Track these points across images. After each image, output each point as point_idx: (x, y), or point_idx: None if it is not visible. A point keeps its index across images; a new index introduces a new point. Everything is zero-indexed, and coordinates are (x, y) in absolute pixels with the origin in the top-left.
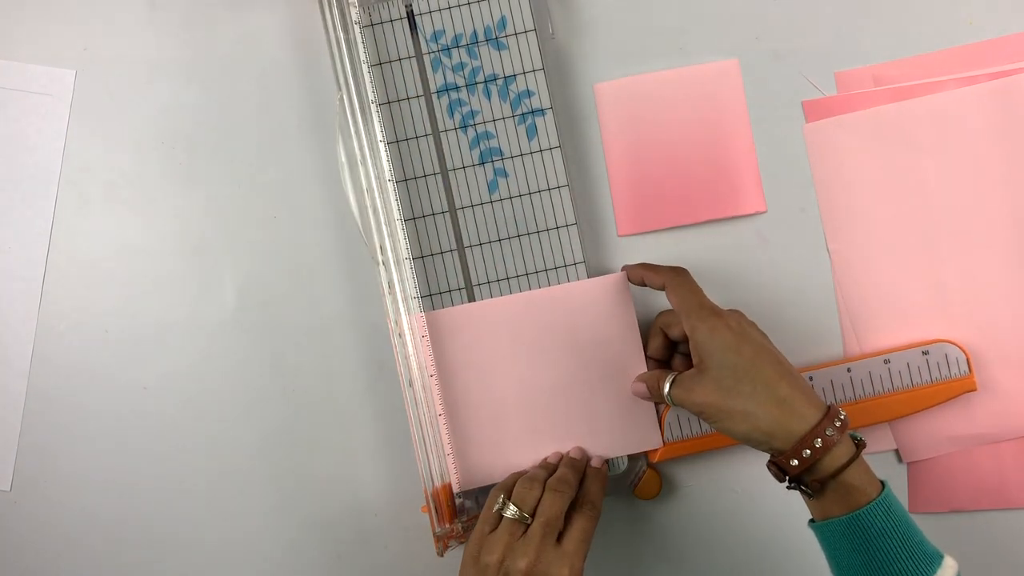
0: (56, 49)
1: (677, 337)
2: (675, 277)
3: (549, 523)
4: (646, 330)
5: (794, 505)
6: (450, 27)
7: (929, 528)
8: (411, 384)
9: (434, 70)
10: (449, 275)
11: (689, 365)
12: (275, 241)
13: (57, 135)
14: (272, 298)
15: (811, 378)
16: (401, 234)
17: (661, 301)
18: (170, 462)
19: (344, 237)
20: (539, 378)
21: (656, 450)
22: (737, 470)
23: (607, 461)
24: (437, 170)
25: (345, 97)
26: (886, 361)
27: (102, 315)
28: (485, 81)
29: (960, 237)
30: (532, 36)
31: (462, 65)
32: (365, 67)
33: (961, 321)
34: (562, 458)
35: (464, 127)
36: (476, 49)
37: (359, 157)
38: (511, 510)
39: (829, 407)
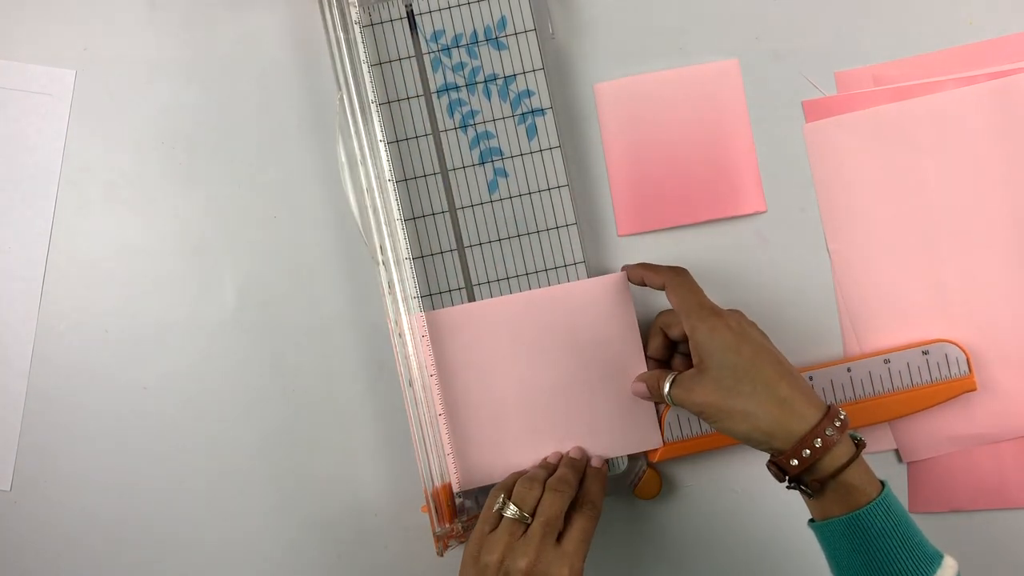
0: (56, 49)
1: (677, 337)
2: (675, 277)
3: (549, 523)
4: (646, 330)
5: (794, 505)
6: (450, 27)
7: (929, 528)
8: (411, 384)
9: (434, 70)
10: (449, 275)
11: (689, 365)
12: (275, 241)
13: (57, 135)
14: (272, 298)
15: (811, 378)
16: (401, 234)
17: (661, 301)
18: (170, 462)
19: (344, 237)
20: (539, 378)
21: (656, 450)
22: (737, 470)
23: (607, 461)
24: (437, 170)
25: (345, 97)
26: (886, 361)
27: (102, 315)
28: (485, 81)
29: (960, 237)
30: (532, 36)
31: (462, 65)
32: (365, 67)
33: (961, 321)
34: (562, 458)
35: (464, 127)
36: (476, 49)
37: (359, 157)
38: (511, 510)
39: (829, 407)
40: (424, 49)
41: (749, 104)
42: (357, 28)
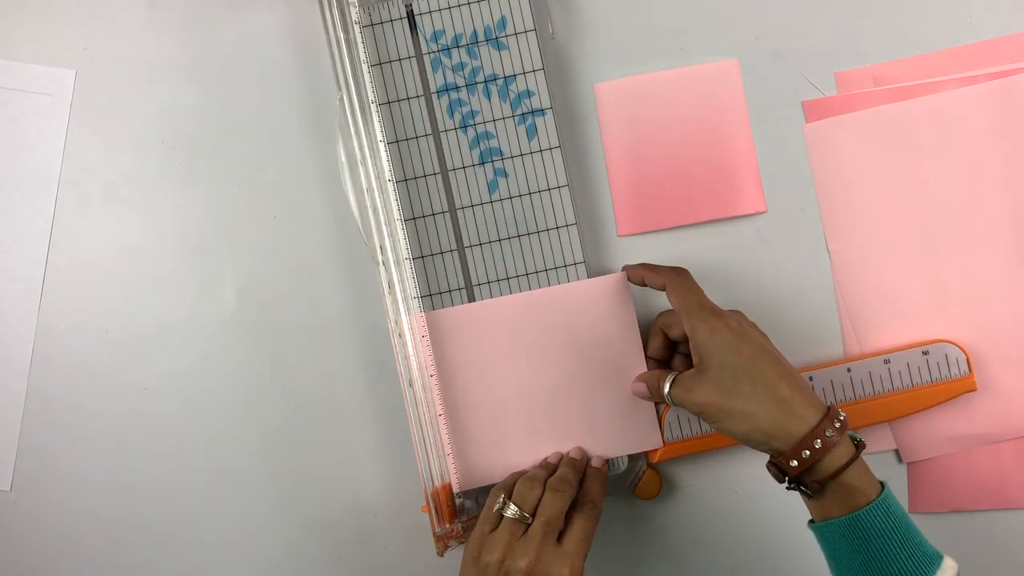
0: (56, 49)
1: (677, 337)
2: (675, 277)
3: (550, 523)
4: (646, 330)
5: (794, 505)
6: (450, 27)
7: (929, 528)
8: (411, 384)
9: (434, 70)
10: (449, 275)
11: (689, 365)
12: (275, 241)
13: (57, 135)
14: (272, 298)
15: (811, 378)
16: (401, 234)
17: (661, 301)
18: (170, 462)
19: (344, 237)
20: (539, 378)
21: (656, 450)
22: (737, 470)
23: (607, 461)
24: (437, 170)
25: (345, 97)
26: (886, 361)
27: (102, 315)
28: (485, 81)
29: (960, 237)
30: (532, 36)
31: (462, 65)
32: (365, 67)
33: (961, 321)
34: (562, 458)
35: (464, 127)
36: (476, 49)
37: (359, 157)
38: (511, 510)
39: (829, 408)
40: (424, 49)
41: (749, 104)
42: (357, 28)
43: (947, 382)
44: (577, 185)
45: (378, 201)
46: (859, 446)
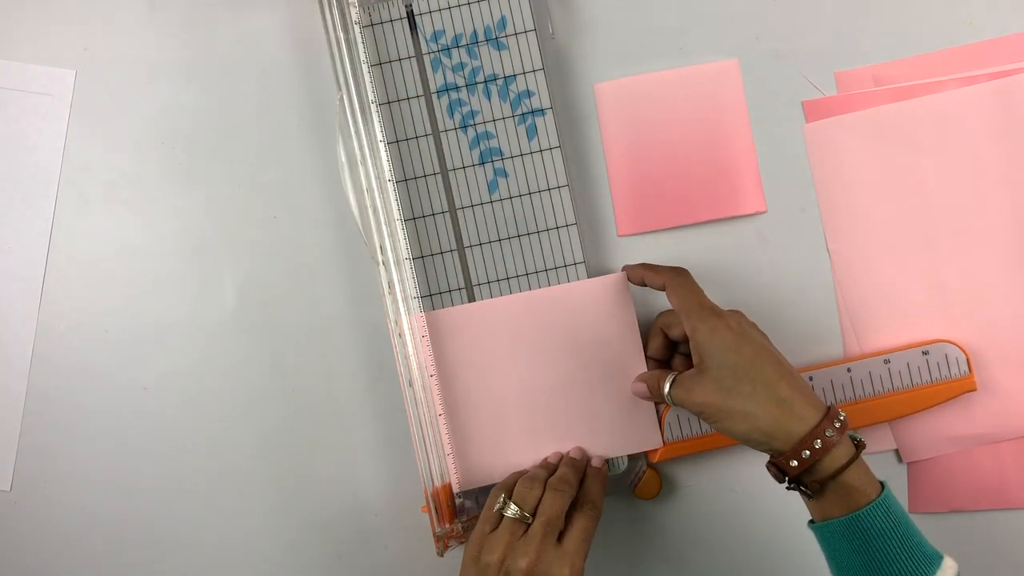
0: (56, 49)
1: (677, 337)
2: (675, 277)
3: (550, 522)
4: (646, 330)
5: (794, 505)
6: (450, 27)
7: (929, 528)
8: (411, 384)
9: (434, 70)
10: (449, 275)
11: (689, 365)
12: (275, 241)
13: (57, 135)
14: (272, 298)
15: (811, 378)
16: (401, 234)
17: (661, 301)
18: (170, 462)
19: (344, 237)
20: (539, 378)
21: (656, 450)
22: (737, 470)
23: (607, 461)
24: (437, 170)
25: (345, 97)
26: (886, 361)
27: (102, 315)
28: (485, 81)
29: (960, 237)
30: (532, 36)
31: (462, 65)
32: (365, 67)
33: (961, 321)
34: (562, 458)
35: (464, 127)
36: (476, 49)
37: (359, 157)
38: (512, 509)
39: (829, 408)
40: (424, 49)
41: (749, 104)
42: (357, 28)
43: (947, 382)
44: (577, 185)
45: (378, 201)
46: (859, 446)
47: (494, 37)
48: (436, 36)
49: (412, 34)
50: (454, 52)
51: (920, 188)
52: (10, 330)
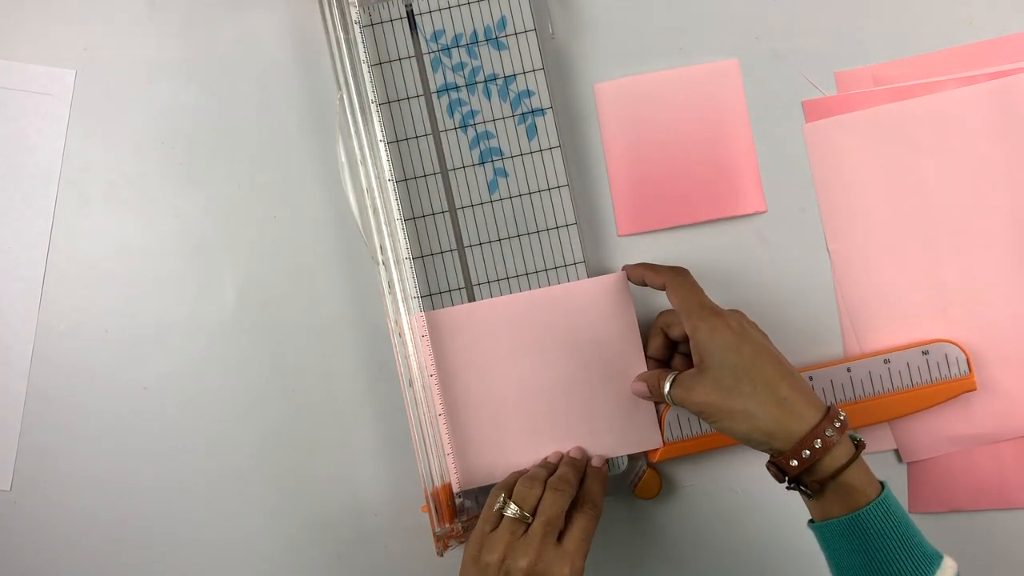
0: (56, 49)
1: (677, 337)
2: (676, 277)
3: (550, 522)
4: (646, 330)
5: (794, 505)
6: (450, 27)
7: (929, 528)
8: (411, 384)
9: (434, 70)
10: (449, 275)
11: (689, 365)
12: (275, 241)
13: (57, 135)
14: (272, 298)
15: (811, 378)
16: (401, 234)
17: (661, 301)
18: (170, 462)
19: (344, 237)
20: (539, 378)
21: (656, 450)
22: (737, 470)
23: (607, 461)
24: (437, 170)
25: (345, 97)
26: (886, 361)
27: (102, 315)
28: (485, 81)
29: (960, 237)
30: (532, 36)
31: (462, 65)
32: (365, 67)
33: (961, 321)
34: (562, 457)
35: (464, 127)
36: (476, 49)
37: (359, 157)
38: (512, 509)
39: (829, 408)
40: (424, 49)
41: (749, 104)
42: (357, 28)
43: (947, 382)
44: (577, 185)
45: (378, 201)
46: (859, 446)
47: (494, 37)
48: (436, 36)
49: (412, 34)
50: (454, 52)
51: (920, 188)
52: (10, 330)
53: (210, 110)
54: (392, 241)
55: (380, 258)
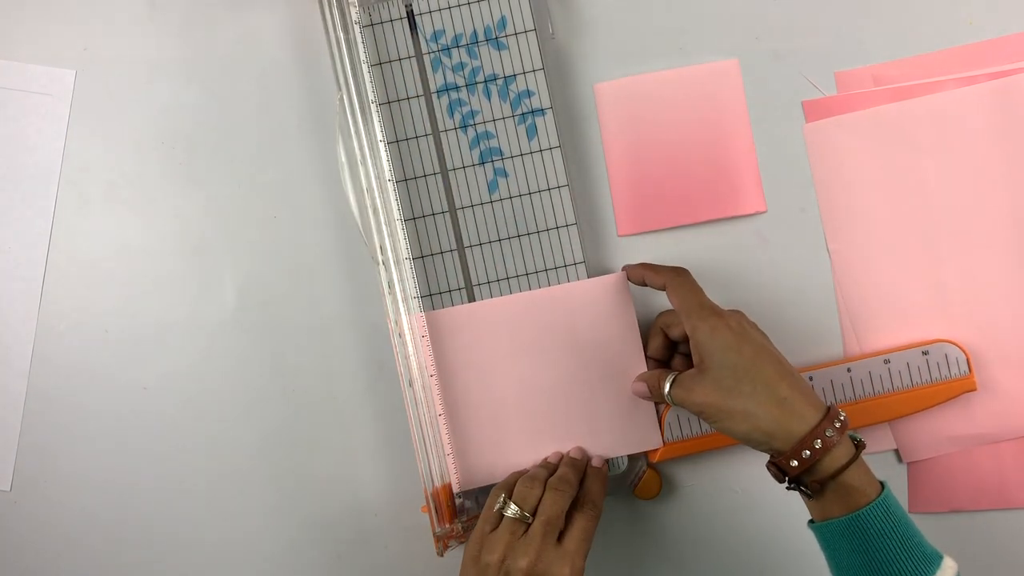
0: (56, 49)
1: (677, 337)
2: (676, 277)
3: (550, 522)
4: (646, 330)
5: (794, 505)
6: (450, 27)
7: (929, 528)
8: (411, 384)
9: (434, 70)
10: (449, 275)
11: (689, 365)
12: (275, 241)
13: (57, 135)
14: (272, 298)
15: (811, 378)
16: (401, 234)
17: (661, 301)
18: (170, 462)
19: (344, 237)
20: (539, 378)
21: (656, 450)
22: (737, 470)
23: (607, 461)
24: (437, 170)
25: (345, 97)
26: (886, 361)
27: (102, 315)
28: (485, 81)
29: (960, 237)
30: (532, 36)
31: (462, 65)
32: (365, 67)
33: (961, 321)
34: (563, 458)
35: (464, 127)
36: (476, 49)
37: (359, 157)
38: (512, 509)
39: (829, 408)
40: (424, 49)
41: (749, 104)
42: (357, 28)
43: (947, 382)
44: (577, 185)
45: (378, 201)
46: (859, 446)
47: (494, 37)
48: (436, 36)
49: (412, 34)
50: (454, 52)
51: (920, 188)
52: (10, 330)
53: (210, 110)
54: (392, 241)
55: (380, 258)
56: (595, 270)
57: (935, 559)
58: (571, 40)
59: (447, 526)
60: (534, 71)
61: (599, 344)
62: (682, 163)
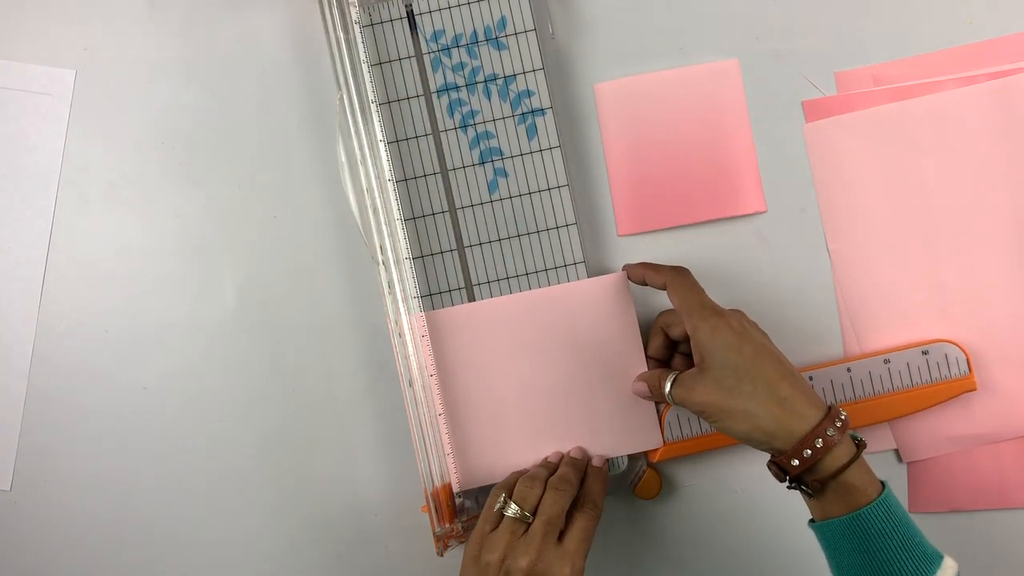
0: (56, 49)
1: (678, 337)
2: (676, 276)
3: (550, 522)
4: (646, 330)
5: (794, 505)
6: (450, 27)
7: (929, 528)
8: (411, 384)
9: (434, 70)
10: (449, 275)
11: (689, 365)
12: (275, 241)
13: (57, 135)
14: (272, 298)
15: (811, 378)
16: (401, 234)
17: (661, 301)
18: (170, 462)
19: (344, 237)
20: (539, 378)
21: (656, 450)
22: (737, 470)
23: (608, 460)
24: (437, 170)
25: (345, 97)
26: (886, 361)
27: (102, 315)
28: (485, 81)
29: (960, 237)
30: (532, 36)
31: (462, 65)
32: (365, 67)
33: (961, 321)
34: (563, 457)
35: (464, 127)
36: (476, 49)
37: (359, 157)
38: (512, 509)
39: (830, 407)
40: (424, 49)
41: (749, 104)
42: (357, 28)
43: (947, 382)
44: (577, 185)
45: (378, 201)
46: (860, 446)
47: (494, 37)
48: (436, 36)
49: (412, 34)
50: (454, 52)
51: (920, 188)
52: (10, 330)
53: (210, 110)
54: (392, 241)
55: (380, 258)
56: (595, 270)
57: (935, 559)
58: (571, 40)
59: (447, 526)
60: (534, 71)
61: (599, 344)
62: (682, 163)
